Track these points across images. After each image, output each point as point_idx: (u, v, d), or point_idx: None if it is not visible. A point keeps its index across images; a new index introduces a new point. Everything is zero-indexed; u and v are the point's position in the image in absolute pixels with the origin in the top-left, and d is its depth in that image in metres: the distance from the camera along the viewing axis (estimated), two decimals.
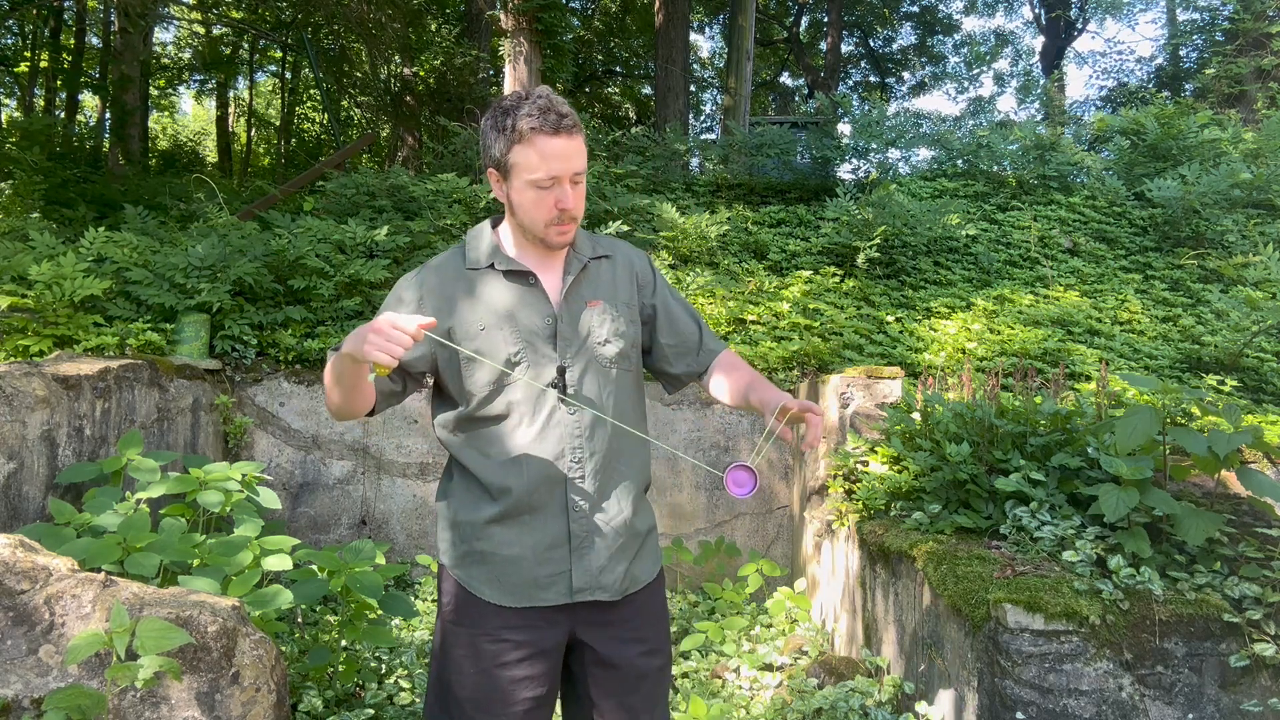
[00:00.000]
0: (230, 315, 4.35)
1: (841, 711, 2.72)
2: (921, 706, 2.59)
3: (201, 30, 17.53)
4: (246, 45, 17.78)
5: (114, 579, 1.74)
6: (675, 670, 3.32)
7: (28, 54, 13.98)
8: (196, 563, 2.53)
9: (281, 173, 13.99)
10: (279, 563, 2.68)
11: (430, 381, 1.76)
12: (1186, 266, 6.45)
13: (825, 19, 20.23)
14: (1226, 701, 2.16)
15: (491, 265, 1.70)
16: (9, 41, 13.63)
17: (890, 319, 5.45)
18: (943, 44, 23.17)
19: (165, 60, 18.04)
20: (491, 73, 11.90)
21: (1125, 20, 27.41)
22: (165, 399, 3.70)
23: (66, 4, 13.93)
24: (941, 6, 21.86)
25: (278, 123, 19.52)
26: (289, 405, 4.29)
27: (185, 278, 4.29)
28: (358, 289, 4.83)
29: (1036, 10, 20.81)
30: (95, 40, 15.67)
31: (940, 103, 55.65)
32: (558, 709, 1.93)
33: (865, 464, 3.54)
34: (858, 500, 3.33)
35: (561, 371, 1.66)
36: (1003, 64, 23.89)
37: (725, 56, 15.52)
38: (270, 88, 21.79)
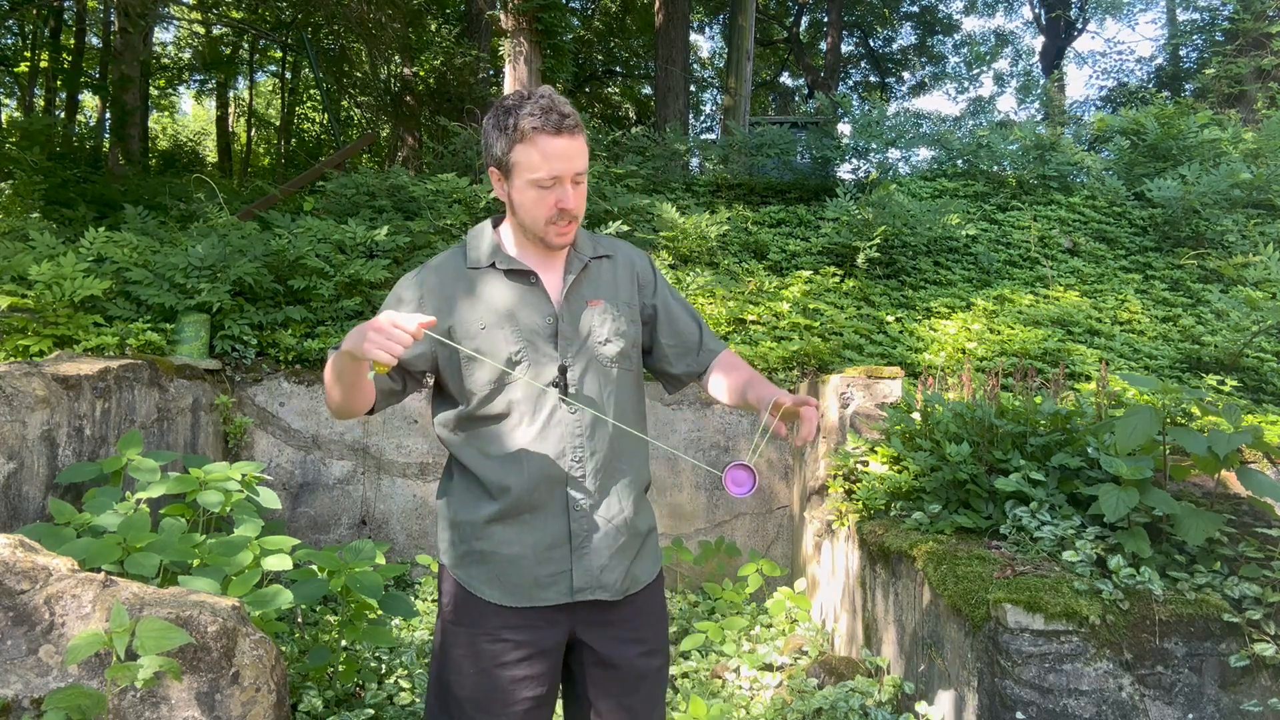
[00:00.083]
0: (230, 315, 4.35)
1: (841, 711, 2.72)
2: (921, 706, 2.59)
3: (201, 30, 17.53)
4: (246, 45, 17.78)
5: (114, 579, 1.74)
6: (675, 670, 3.32)
7: (28, 54, 13.98)
8: (196, 563, 2.53)
9: (281, 173, 13.99)
10: (279, 563, 2.68)
11: (430, 381, 1.77)
12: (1186, 266, 6.45)
13: (825, 19, 20.23)
14: (1226, 701, 2.16)
15: (493, 264, 1.70)
16: (9, 41, 13.63)
17: (890, 319, 5.45)
18: (943, 44, 23.18)
19: (165, 60, 18.04)
20: (491, 73, 11.90)
21: (1125, 20, 27.42)
22: (165, 399, 3.70)
23: (66, 4, 13.93)
24: (941, 6, 21.87)
25: (278, 123, 19.53)
26: (289, 405, 4.29)
27: (185, 278, 4.29)
28: (358, 289, 4.83)
29: (1036, 10, 20.81)
30: (95, 40, 15.68)
31: (940, 103, 55.68)
32: (558, 709, 1.93)
33: (865, 464, 3.54)
34: (858, 500, 3.33)
35: (562, 371, 1.66)
36: (1003, 64, 23.91)
37: (725, 56, 15.52)
38: (270, 88, 21.79)
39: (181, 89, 20.18)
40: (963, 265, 6.41)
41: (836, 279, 5.89)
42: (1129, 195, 7.37)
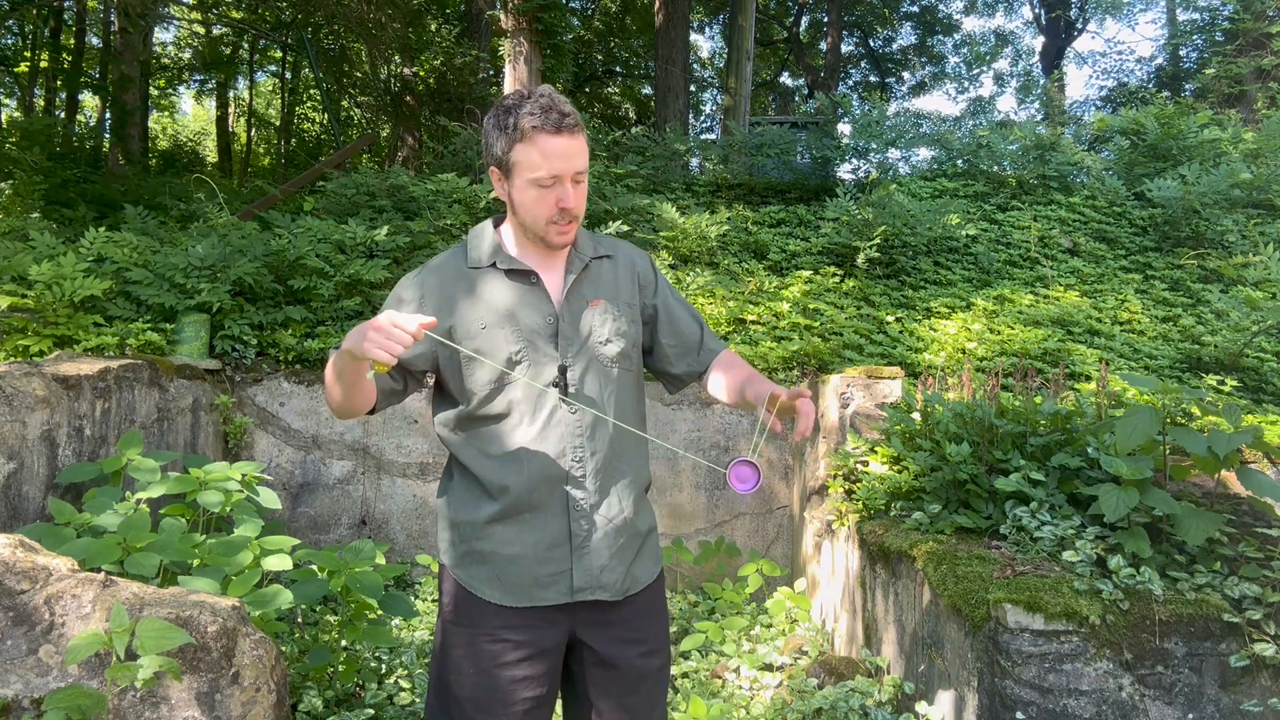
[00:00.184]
0: (230, 315, 4.35)
1: (841, 711, 2.72)
2: (921, 706, 2.59)
3: (201, 30, 17.53)
4: (246, 45, 17.78)
5: (114, 579, 1.74)
6: (675, 670, 3.32)
7: (28, 54, 13.98)
8: (196, 563, 2.53)
9: (281, 173, 13.99)
10: (279, 563, 2.68)
11: (431, 380, 1.77)
12: (1186, 266, 6.45)
13: (825, 19, 20.23)
14: (1226, 701, 2.16)
15: (493, 264, 1.70)
16: (9, 41, 13.63)
17: (890, 319, 5.45)
18: (943, 44, 23.19)
19: (165, 60, 18.05)
20: (491, 73, 11.90)
21: (1125, 20, 27.43)
22: (165, 399, 3.70)
23: (66, 4, 13.93)
24: (941, 6, 21.87)
25: (278, 123, 19.53)
26: (289, 405, 4.29)
27: (185, 278, 4.29)
28: (358, 289, 4.83)
29: (1036, 10, 20.81)
30: (95, 40, 15.68)
31: (940, 103, 55.68)
32: (558, 709, 1.93)
33: (865, 464, 3.54)
34: (858, 500, 3.33)
35: (563, 371, 1.66)
36: (1003, 64, 23.92)
37: (725, 56, 15.52)
38: (270, 88, 21.79)
39: (181, 89, 20.19)
40: (963, 265, 6.41)
41: (836, 279, 5.89)
42: (1129, 195, 7.37)
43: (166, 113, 22.23)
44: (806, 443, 4.26)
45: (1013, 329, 5.29)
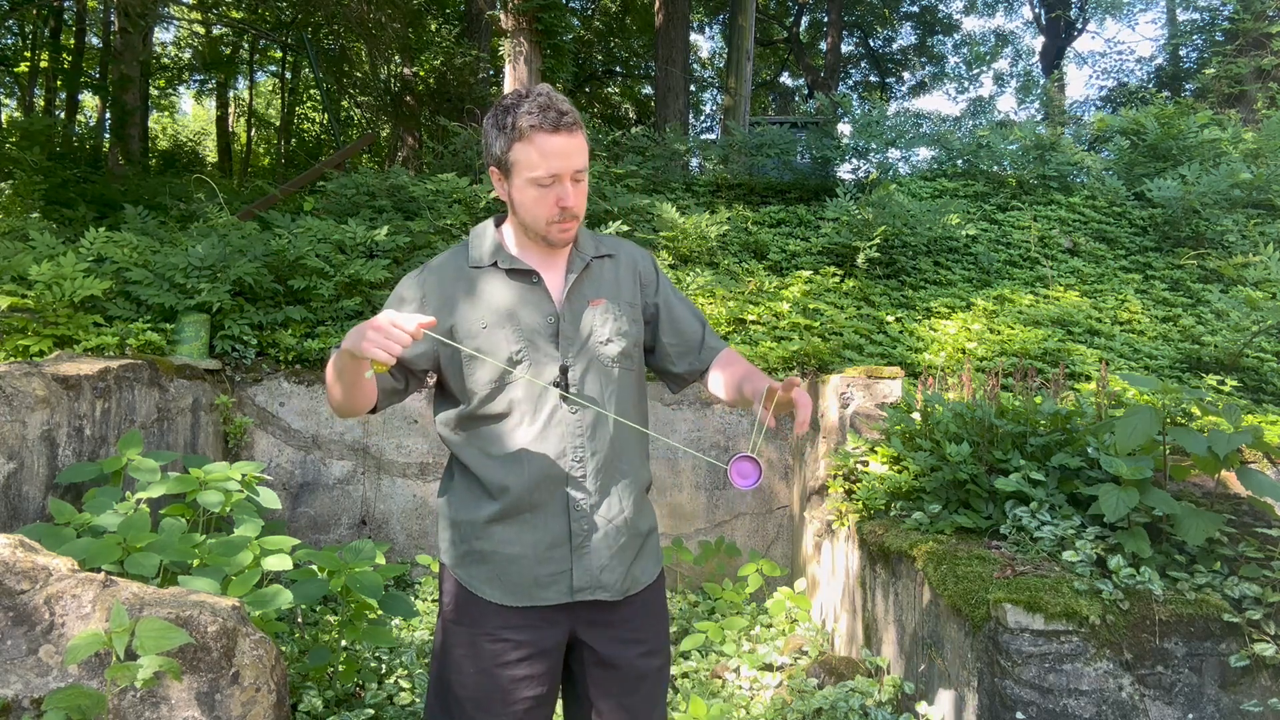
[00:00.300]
0: (230, 315, 4.35)
1: (841, 711, 2.72)
2: (921, 706, 2.59)
3: (201, 30, 17.53)
4: (246, 45, 17.78)
5: (114, 579, 1.74)
6: (675, 670, 3.32)
7: (28, 54, 13.98)
8: (196, 563, 2.53)
9: (281, 173, 13.99)
10: (279, 563, 2.68)
11: (432, 380, 1.77)
12: (1186, 266, 6.45)
13: (825, 19, 20.23)
14: (1226, 701, 2.16)
15: (494, 264, 1.70)
16: (9, 41, 13.63)
17: (890, 319, 5.45)
18: (943, 44, 23.19)
19: (165, 60, 18.05)
20: (491, 73, 11.90)
21: (1125, 20, 27.43)
22: (165, 399, 3.70)
23: (66, 4, 13.93)
24: (941, 6, 21.87)
25: (278, 123, 19.53)
26: (289, 405, 4.29)
27: (185, 278, 4.29)
28: (358, 289, 4.83)
29: (1036, 10, 20.81)
30: (95, 40, 15.68)
31: (940, 103, 55.68)
32: (558, 709, 1.93)
33: (865, 464, 3.54)
34: (858, 500, 3.33)
35: (563, 371, 1.66)
36: (1003, 64, 23.93)
37: (725, 56, 15.52)
38: (270, 88, 21.79)
39: (181, 89, 20.19)
40: (963, 265, 6.41)
41: (836, 279, 5.89)
42: (1129, 195, 7.37)
43: (166, 113, 22.24)
44: (806, 443, 4.26)
45: (1013, 329, 5.29)
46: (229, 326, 4.30)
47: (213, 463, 3.16)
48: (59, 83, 14.08)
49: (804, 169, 8.41)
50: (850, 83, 22.82)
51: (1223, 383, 4.75)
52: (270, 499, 3.17)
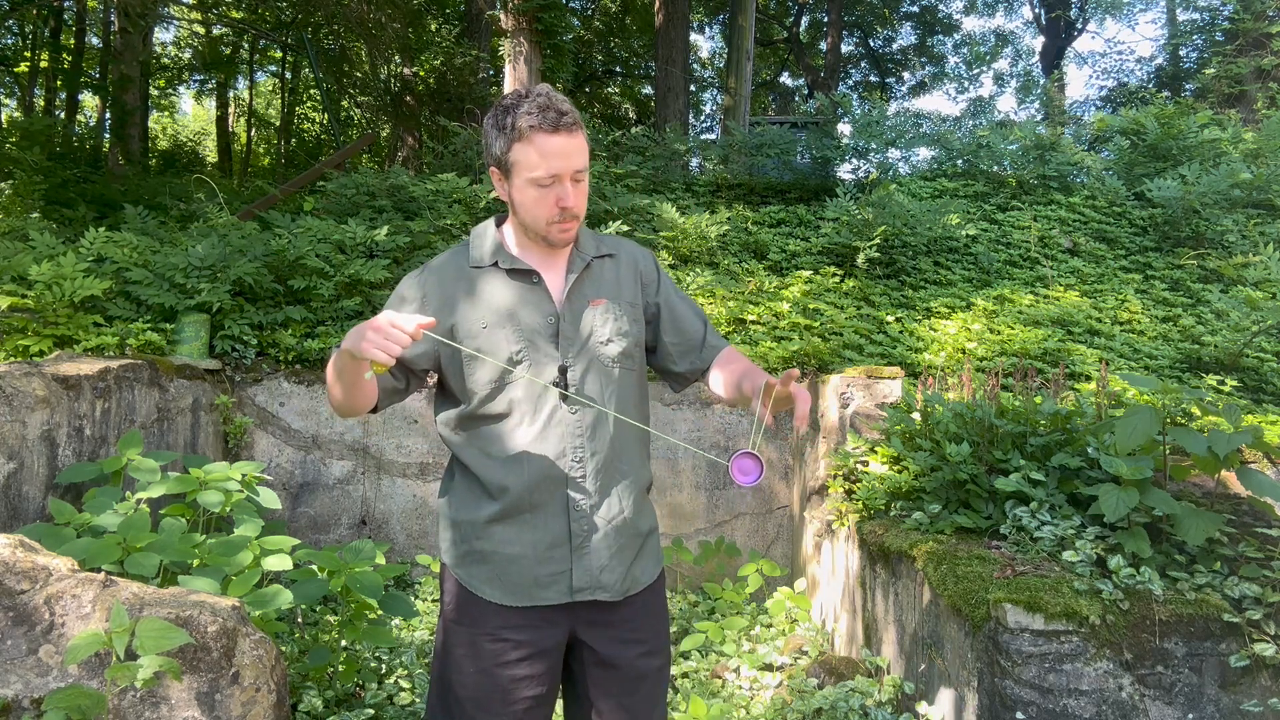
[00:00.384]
0: (230, 315, 4.35)
1: (841, 711, 2.72)
2: (921, 706, 2.59)
3: (201, 30, 17.53)
4: (246, 45, 17.78)
5: (114, 579, 1.74)
6: (675, 670, 3.32)
7: (28, 54, 13.98)
8: (196, 563, 2.53)
9: (281, 173, 13.99)
10: (279, 563, 2.68)
11: (433, 379, 1.77)
12: (1186, 266, 6.45)
13: (825, 19, 20.23)
14: (1226, 701, 2.16)
15: (495, 263, 1.70)
16: (9, 41, 13.63)
17: (890, 319, 5.45)
18: (943, 44, 23.19)
19: (165, 60, 18.05)
20: (491, 73, 11.90)
21: (1125, 20, 27.44)
22: (165, 399, 3.70)
23: (66, 4, 13.93)
24: (941, 6, 21.87)
25: (278, 123, 19.53)
26: (289, 405, 4.29)
27: (185, 278, 4.29)
28: (358, 289, 4.83)
29: (1036, 10, 20.82)
30: (95, 40, 15.68)
31: (940, 103, 55.69)
32: (558, 709, 1.93)
33: (865, 464, 3.54)
34: (858, 500, 3.33)
35: (563, 371, 1.66)
36: (1003, 64, 23.93)
37: (725, 56, 15.52)
38: (270, 88, 21.80)
39: (181, 89, 20.20)
40: (963, 265, 6.41)
41: (836, 279, 5.89)
42: (1129, 195, 7.37)
43: (166, 113, 22.24)
44: (806, 443, 4.26)
45: (1013, 329, 5.29)
46: (229, 326, 4.30)
47: (213, 463, 3.16)
48: (59, 83, 14.08)
49: (804, 169, 8.41)
50: (850, 83, 22.83)
51: (1223, 383, 4.75)
52: (270, 499, 3.17)
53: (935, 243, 6.49)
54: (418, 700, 2.94)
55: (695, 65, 19.89)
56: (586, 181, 1.66)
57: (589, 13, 18.98)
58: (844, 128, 9.94)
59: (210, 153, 20.56)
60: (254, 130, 20.55)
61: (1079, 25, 20.10)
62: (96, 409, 3.21)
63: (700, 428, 4.47)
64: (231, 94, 19.62)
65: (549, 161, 1.57)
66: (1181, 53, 16.66)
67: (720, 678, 3.30)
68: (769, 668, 3.37)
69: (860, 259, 6.03)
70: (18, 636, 1.64)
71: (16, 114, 13.77)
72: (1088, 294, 6.07)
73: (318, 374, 4.33)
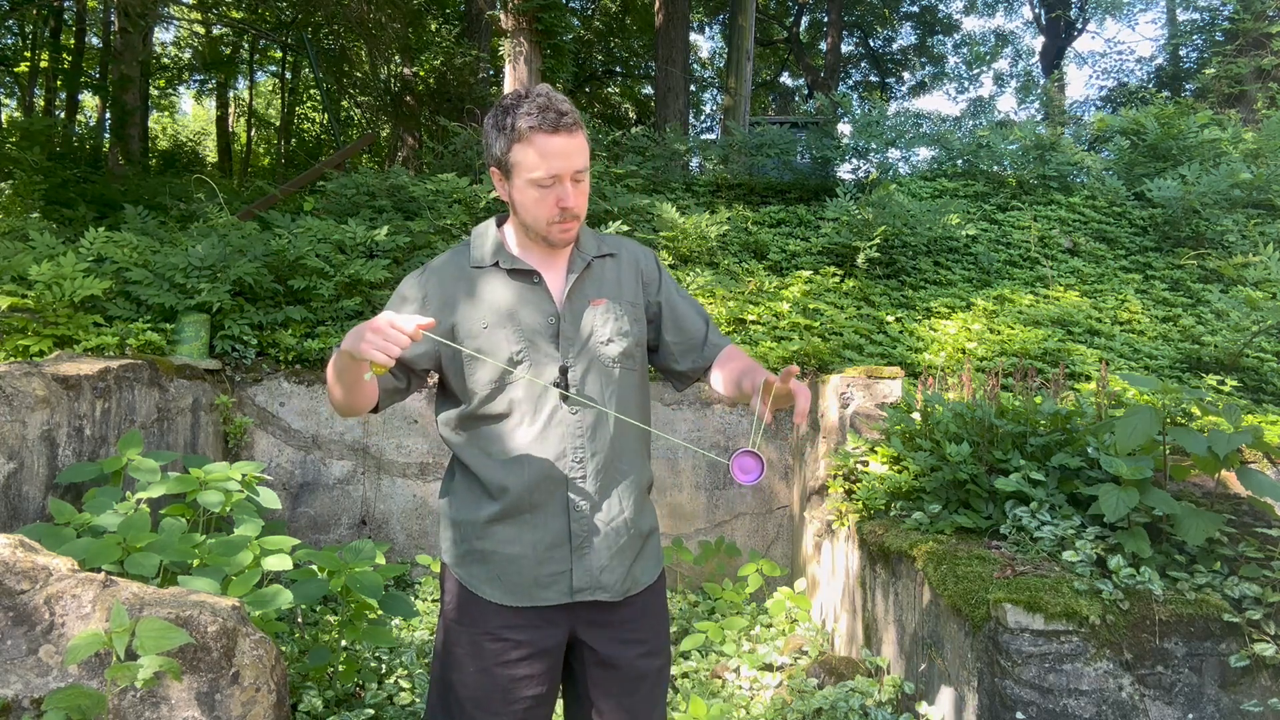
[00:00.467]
0: (230, 315, 4.35)
1: (841, 711, 2.72)
2: (921, 706, 2.59)
3: (201, 30, 17.53)
4: (246, 45, 17.78)
5: (114, 579, 1.74)
6: (675, 670, 3.32)
7: (28, 54, 13.98)
8: (196, 563, 2.53)
9: (281, 173, 13.99)
10: (279, 563, 2.68)
11: (434, 379, 1.77)
12: (1186, 266, 6.45)
13: (825, 19, 20.24)
14: (1226, 701, 2.16)
15: (496, 263, 1.70)
16: (9, 41, 13.63)
17: (890, 319, 5.45)
18: (943, 44, 23.20)
19: (165, 60, 18.05)
20: (491, 73, 11.91)
21: (1125, 20, 27.43)
22: (165, 399, 3.70)
23: (66, 4, 13.93)
24: (941, 6, 21.88)
25: (278, 123, 19.53)
26: (289, 405, 4.29)
27: (185, 278, 4.29)
28: (358, 289, 4.83)
29: (1036, 10, 20.82)
30: (95, 40, 15.68)
31: (940, 103, 55.68)
32: (559, 708, 1.93)
33: (865, 464, 3.54)
34: (858, 500, 3.33)
35: (563, 372, 1.66)
36: (1003, 64, 23.94)
37: (725, 56, 15.53)
38: (270, 88, 21.80)
39: (181, 89, 20.20)
40: (963, 265, 6.41)
41: (836, 279, 5.89)
42: (1129, 195, 7.37)
43: (166, 113, 22.24)
44: (806, 443, 4.26)
45: (1013, 329, 5.29)
46: (229, 326, 4.30)
47: (213, 463, 3.16)
48: (59, 83, 14.08)
49: (804, 169, 8.41)
50: (850, 83, 22.83)
51: (1223, 383, 4.75)
52: (270, 499, 3.17)
53: (935, 243, 6.49)
54: (418, 700, 2.94)
55: (695, 65, 19.90)
56: (587, 182, 1.66)
57: (589, 13, 18.98)
58: (844, 128, 9.94)
59: (210, 153, 20.56)
60: (254, 130, 20.55)
61: (1079, 25, 20.10)
62: (96, 409, 3.21)
63: (700, 428, 4.47)
64: (231, 94, 19.62)
65: (549, 162, 1.57)
66: (1181, 53, 16.67)
67: (720, 678, 3.30)
68: (769, 668, 3.37)
69: (860, 259, 6.03)
70: (18, 636, 1.64)
71: (16, 114, 13.77)
72: (1088, 294, 6.07)
73: (318, 374, 4.33)
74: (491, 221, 1.77)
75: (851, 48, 22.70)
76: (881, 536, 2.99)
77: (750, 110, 11.74)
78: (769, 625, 3.75)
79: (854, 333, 5.13)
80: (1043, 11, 20.04)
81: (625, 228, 6.06)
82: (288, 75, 18.11)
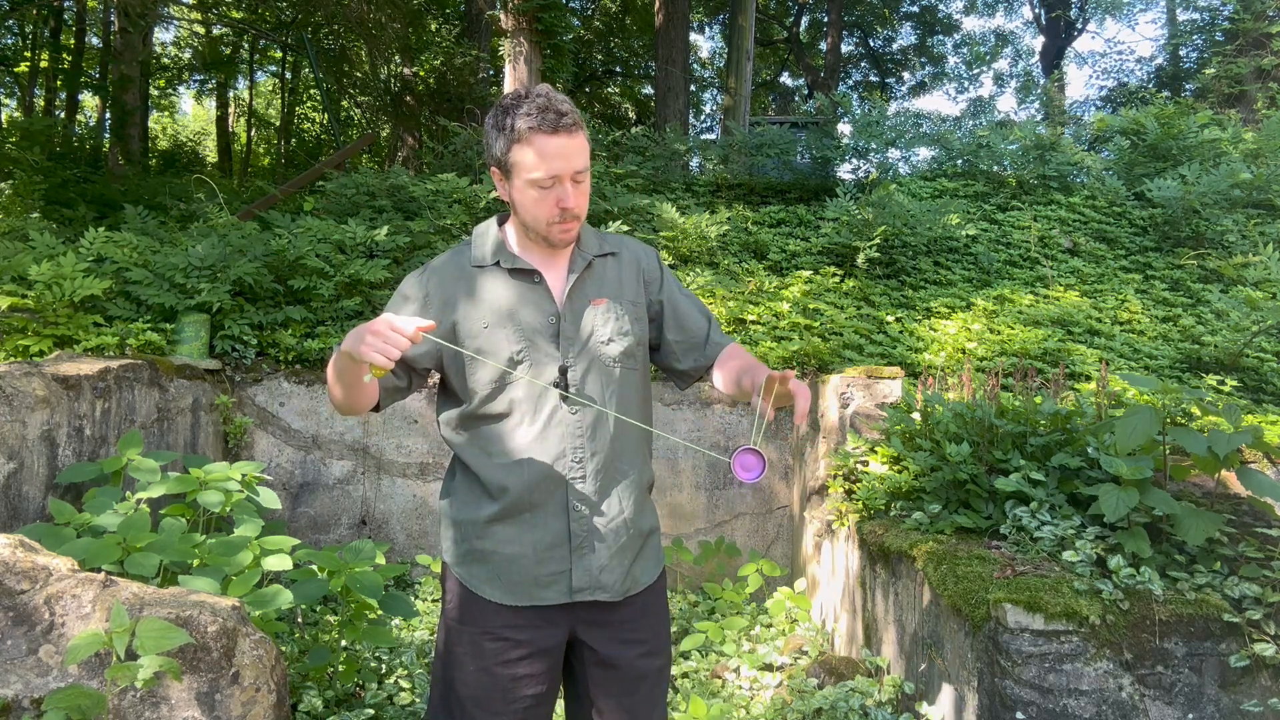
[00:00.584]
0: (230, 315, 4.35)
1: (841, 711, 2.72)
2: (922, 706, 2.59)
3: (201, 30, 17.53)
4: (246, 45, 17.78)
5: (114, 579, 1.74)
6: (675, 670, 3.32)
7: (28, 54, 13.98)
8: (196, 563, 2.53)
9: (281, 173, 13.99)
10: (279, 563, 2.68)
11: (435, 378, 1.77)
12: (1186, 266, 6.45)
13: (825, 19, 20.24)
14: (1226, 701, 2.16)
15: (496, 263, 1.70)
16: (9, 41, 13.63)
17: (890, 319, 5.45)
18: (943, 44, 23.21)
19: (165, 60, 18.05)
20: (491, 73, 11.91)
21: (1125, 20, 27.44)
22: (165, 399, 3.70)
23: (66, 4, 13.93)
24: (941, 6, 21.88)
25: (278, 123, 19.53)
26: (289, 405, 4.29)
27: (185, 278, 4.29)
28: (358, 289, 4.83)
29: (1036, 10, 20.82)
30: (95, 40, 15.68)
31: (940, 103, 55.69)
32: (559, 708, 1.93)
33: (865, 464, 3.54)
34: (858, 500, 3.33)
35: (563, 371, 1.66)
36: (1003, 64, 23.95)
37: (725, 56, 15.53)
38: (270, 88, 21.80)
39: (181, 89, 20.20)
40: (963, 265, 6.41)
41: (836, 279, 5.89)
42: (1129, 195, 7.37)
43: (166, 113, 22.24)
44: (806, 443, 4.26)
45: (1013, 329, 5.29)
46: (229, 326, 4.30)
47: (213, 463, 3.16)
48: (59, 83, 14.08)
49: (804, 169, 8.40)
50: (850, 83, 22.83)
51: (1223, 383, 4.75)
52: (270, 499, 3.17)
53: (935, 243, 6.49)
54: (418, 700, 2.94)
55: (695, 65, 19.89)
56: (588, 182, 1.66)
57: (589, 13, 18.99)
58: (844, 128, 9.94)
59: (210, 153, 20.56)
60: (254, 130, 20.55)
61: (1079, 25, 20.10)
62: (96, 409, 3.21)
63: (700, 427, 4.47)
64: (231, 94, 19.63)
65: (549, 163, 1.57)
66: (1181, 53, 16.67)
67: (720, 678, 3.30)
68: (769, 668, 3.37)
69: (860, 259, 6.03)
70: (18, 636, 1.64)
71: (16, 114, 13.77)
72: (1088, 294, 6.07)
73: (318, 374, 4.33)
74: (492, 221, 1.77)
75: (851, 48, 22.71)
76: (881, 536, 2.99)
77: (750, 110, 11.74)
78: (769, 625, 3.75)
79: (854, 333, 5.13)
80: (1043, 11, 20.05)
81: (625, 228, 6.06)
82: (288, 75, 18.11)
